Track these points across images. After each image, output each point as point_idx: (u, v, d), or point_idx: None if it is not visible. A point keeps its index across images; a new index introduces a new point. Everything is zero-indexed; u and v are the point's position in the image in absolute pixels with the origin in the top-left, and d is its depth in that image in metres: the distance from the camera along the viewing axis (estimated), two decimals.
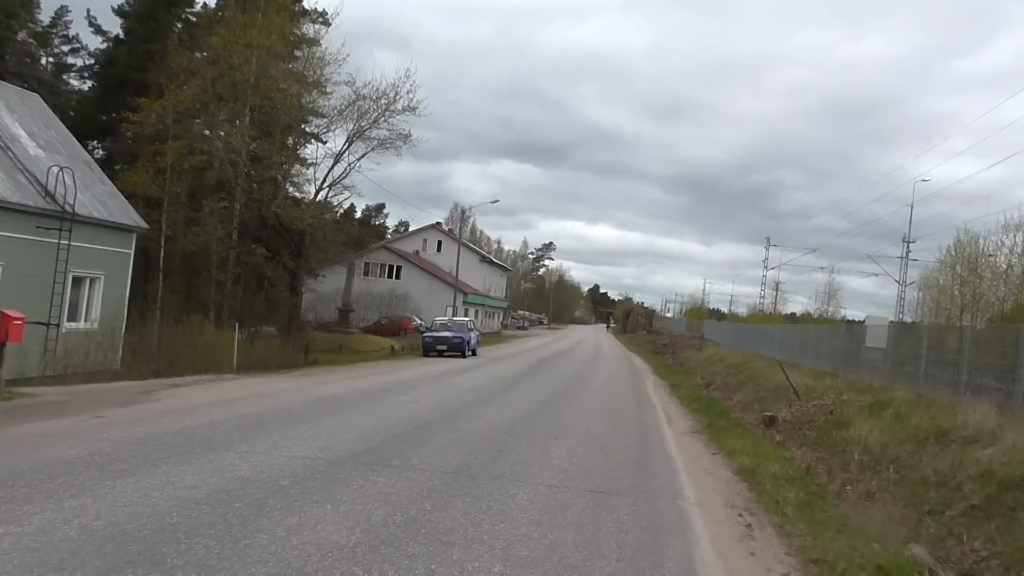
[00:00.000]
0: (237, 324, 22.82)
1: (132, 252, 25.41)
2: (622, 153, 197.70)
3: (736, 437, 13.69)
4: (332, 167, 32.49)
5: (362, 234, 70.63)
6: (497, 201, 55.79)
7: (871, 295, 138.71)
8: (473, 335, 33.89)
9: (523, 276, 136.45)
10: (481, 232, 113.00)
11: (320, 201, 32.27)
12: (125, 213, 25.31)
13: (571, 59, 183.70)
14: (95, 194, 24.53)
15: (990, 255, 25.62)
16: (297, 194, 33.41)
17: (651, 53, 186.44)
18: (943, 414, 13.32)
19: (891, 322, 26.72)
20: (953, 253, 26.99)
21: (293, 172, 31.12)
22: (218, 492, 6.75)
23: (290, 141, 29.70)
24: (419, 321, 51.64)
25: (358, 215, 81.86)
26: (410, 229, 77.73)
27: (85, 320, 22.84)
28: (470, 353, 32.76)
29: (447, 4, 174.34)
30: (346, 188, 32.58)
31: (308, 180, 34.51)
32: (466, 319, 35.57)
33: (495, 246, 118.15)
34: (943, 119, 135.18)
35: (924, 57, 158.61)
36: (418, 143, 32.88)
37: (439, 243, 71.01)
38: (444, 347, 31.47)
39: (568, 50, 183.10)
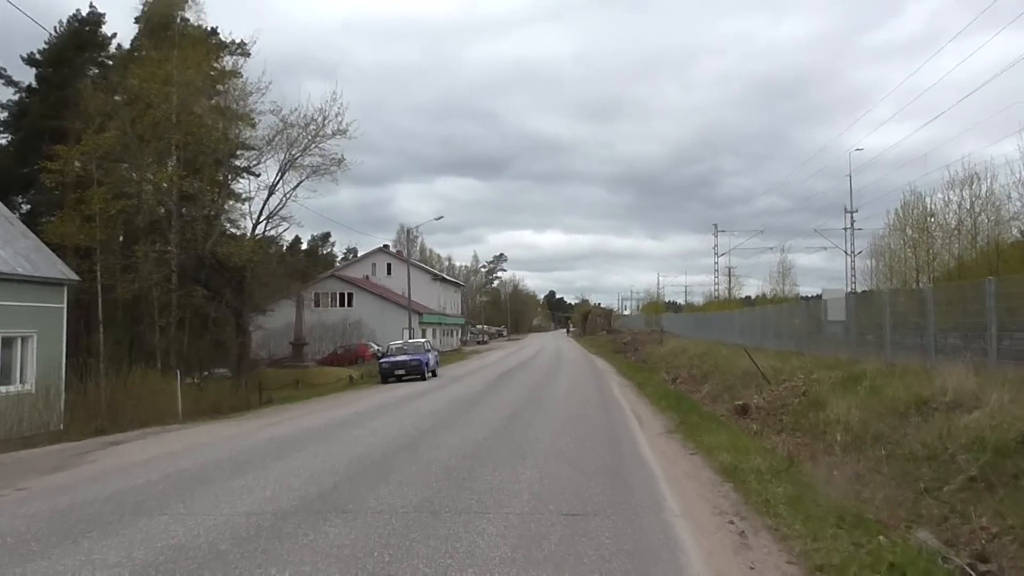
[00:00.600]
0: (179, 371, 21.69)
1: (64, 306, 24.21)
2: (562, 158, 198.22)
3: (711, 432, 13.10)
4: (267, 199, 31.49)
5: (309, 264, 69.40)
6: (441, 217, 55.64)
7: (820, 270, 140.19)
8: (431, 355, 33.00)
9: (477, 290, 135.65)
10: (431, 251, 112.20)
11: (257, 236, 31.18)
12: (52, 266, 24.09)
13: (501, 72, 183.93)
14: (18, 249, 23.31)
15: (932, 215, 25.51)
16: (234, 230, 32.34)
17: (578, 57, 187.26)
18: (918, 382, 12.90)
19: (848, 293, 26.50)
20: (901, 216, 26.84)
21: (227, 208, 30.09)
22: (144, 568, 5.88)
23: (220, 177, 28.58)
24: (376, 347, 50.58)
25: (304, 246, 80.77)
26: (358, 255, 76.57)
27: (19, 382, 21.63)
28: (430, 374, 31.84)
29: (372, 29, 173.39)
30: (284, 220, 31.61)
31: (244, 215, 33.47)
32: (422, 340, 34.64)
33: (446, 263, 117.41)
34: (867, 90, 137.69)
35: (841, 33, 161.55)
36: (352, 166, 32.13)
37: (388, 266, 69.95)
38: (403, 371, 30.52)
39: (497, 64, 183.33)
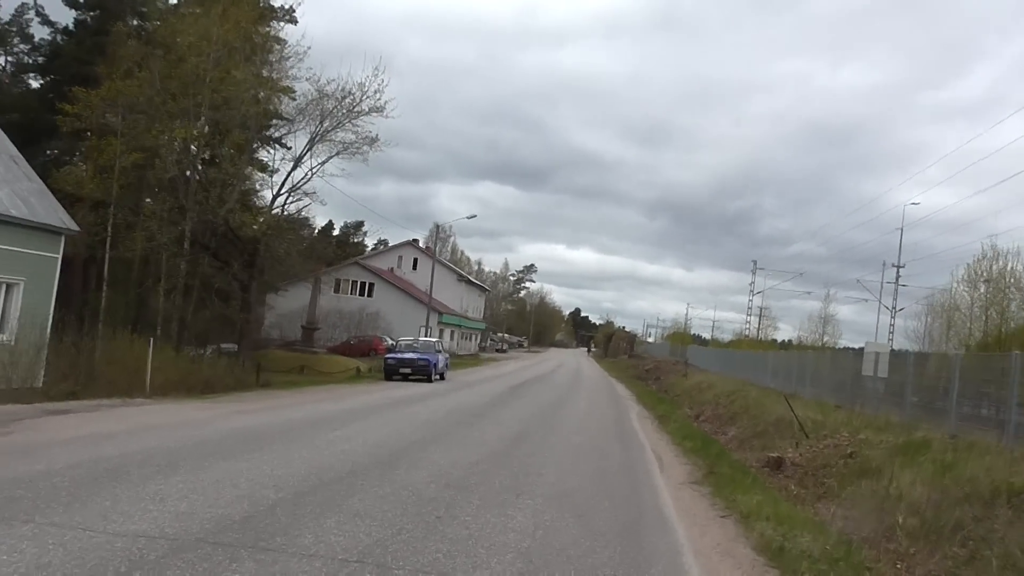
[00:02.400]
0: (152, 339, 19.91)
1: (59, 256, 22.58)
2: (603, 176, 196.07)
3: (745, 489, 11.02)
4: (291, 171, 29.73)
5: (334, 249, 67.89)
6: (474, 216, 54.15)
7: (852, 323, 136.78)
8: (441, 357, 31.02)
9: (503, 298, 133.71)
10: (462, 253, 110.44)
11: (275, 209, 29.45)
12: (52, 213, 22.48)
13: (552, 82, 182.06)
14: (16, 190, 21.73)
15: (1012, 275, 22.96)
16: (255, 200, 30.64)
17: (632, 77, 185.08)
18: (1001, 463, 10.77)
19: (904, 351, 24.17)
20: (974, 271, 24.33)
21: (248, 175, 28.31)
22: None
23: (243, 140, 26.88)
24: (391, 341, 48.77)
25: (336, 232, 79.42)
26: (387, 246, 75.01)
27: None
28: (437, 377, 29.89)
29: (430, 24, 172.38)
30: (307, 195, 29.77)
31: (265, 186, 31.75)
32: (434, 339, 32.70)
33: (476, 267, 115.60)
34: (920, 148, 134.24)
35: (901, 87, 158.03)
36: (386, 151, 30.18)
37: (415, 261, 68.15)
38: (408, 370, 28.60)
39: (549, 73, 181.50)
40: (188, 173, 26.70)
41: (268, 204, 29.69)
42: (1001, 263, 22.93)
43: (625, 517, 8.35)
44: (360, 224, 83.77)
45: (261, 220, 26.06)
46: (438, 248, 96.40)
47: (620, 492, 9.82)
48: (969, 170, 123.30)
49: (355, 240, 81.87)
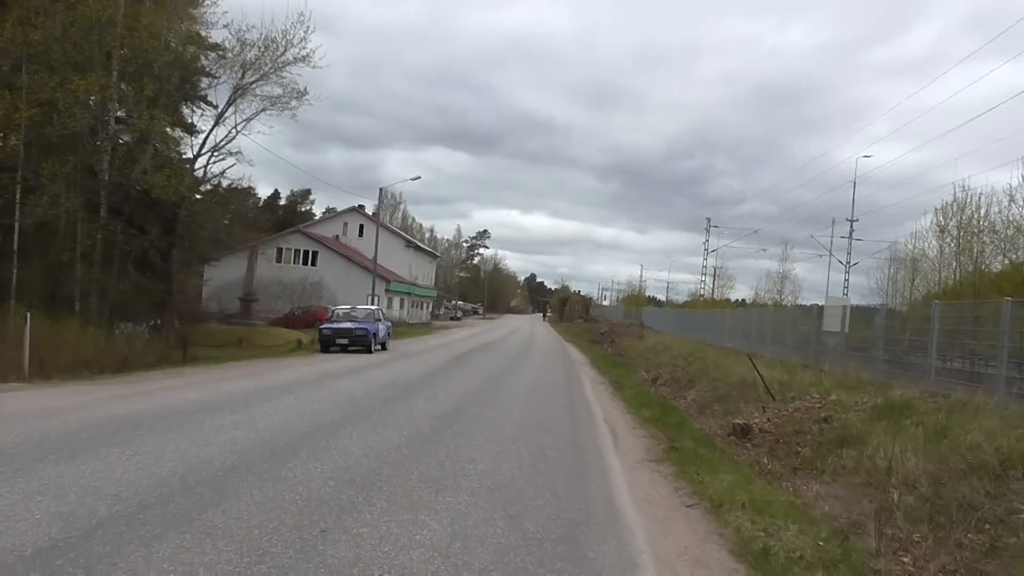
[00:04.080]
0: (29, 314, 17.71)
1: None
2: (555, 140, 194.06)
3: (712, 467, 9.46)
4: (213, 127, 27.40)
5: (284, 220, 65.13)
6: (418, 177, 52.03)
7: (801, 280, 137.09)
8: (382, 326, 29.04)
9: (456, 265, 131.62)
10: (413, 220, 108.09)
11: (198, 170, 27.13)
12: None
13: (500, 43, 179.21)
14: None
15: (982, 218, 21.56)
16: (176, 161, 28.14)
17: (580, 38, 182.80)
18: (1000, 426, 9.38)
19: (879, 306, 22.89)
20: (944, 215, 22.92)
21: (164, 133, 25.85)
22: None
23: (156, 93, 24.41)
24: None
25: (283, 201, 76.38)
26: (332, 213, 72.28)
27: None
28: (378, 348, 27.93)
29: None
30: (231, 154, 27.46)
31: (188, 146, 29.35)
32: (373, 307, 30.67)
33: (428, 235, 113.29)
34: (866, 105, 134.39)
35: (847, 45, 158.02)
36: (314, 101, 27.95)
37: (360, 227, 65.65)
38: (345, 341, 26.59)
39: (496, 33, 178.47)
40: (94, 128, 24.16)
41: (191, 166, 27.32)
42: (972, 208, 21.68)
43: (569, 514, 6.68)
44: (307, 192, 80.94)
45: (176, 182, 23.68)
46: (388, 216, 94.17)
47: (565, 479, 8.15)
48: (913, 125, 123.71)
49: (303, 209, 79.02)
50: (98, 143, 24.55)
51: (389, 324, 32.36)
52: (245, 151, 30.83)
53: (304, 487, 6.87)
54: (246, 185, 39.65)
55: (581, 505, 7.07)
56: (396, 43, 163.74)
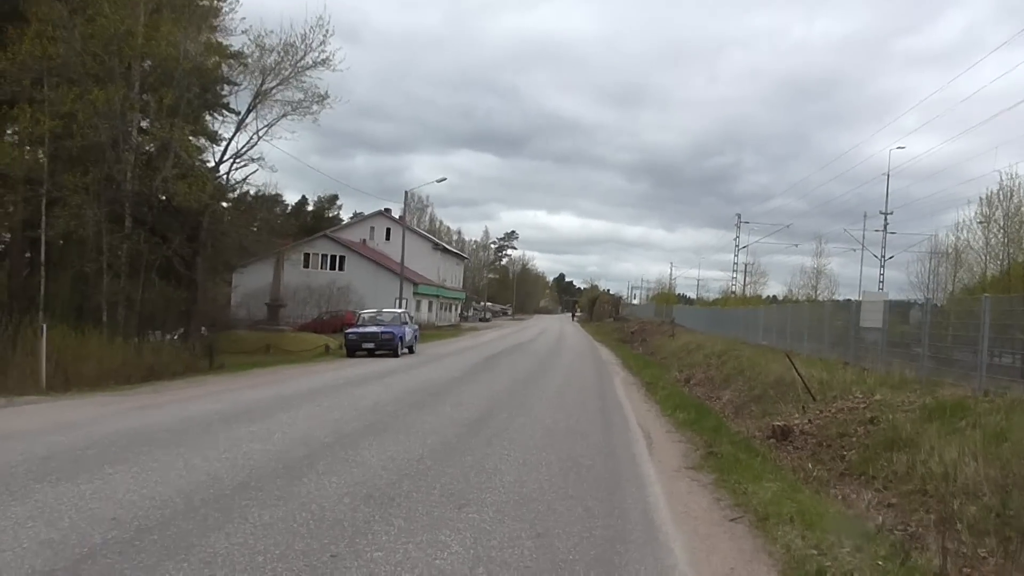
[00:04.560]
0: (44, 326, 17.52)
1: None
2: (581, 141, 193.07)
3: (755, 475, 8.87)
4: (234, 134, 27.24)
5: (311, 226, 65.18)
6: (444, 179, 52.03)
7: (835, 274, 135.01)
8: (408, 329, 28.62)
9: (485, 266, 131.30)
10: (440, 222, 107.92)
11: (219, 177, 26.94)
12: None
13: (524, 47, 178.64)
14: None
15: None
16: (197, 169, 27.97)
17: (605, 39, 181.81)
18: None
19: (923, 300, 22.01)
20: (988, 205, 21.92)
21: (185, 141, 25.63)
22: None
23: (176, 101, 24.25)
24: None
25: (310, 207, 76.48)
26: (359, 218, 72.19)
27: None
28: (405, 351, 27.53)
29: None
30: (253, 160, 27.27)
31: (209, 154, 29.21)
32: (399, 310, 30.27)
33: (455, 237, 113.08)
34: (896, 97, 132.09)
35: (875, 35, 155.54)
36: (336, 105, 27.68)
37: (388, 231, 65.48)
38: (372, 345, 26.20)
39: (520, 38, 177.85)
40: (115, 139, 23.99)
41: (210, 172, 27.14)
42: (1021, 196, 20.71)
43: (603, 531, 6.16)
44: (335, 198, 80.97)
45: (198, 190, 23.46)
46: (414, 219, 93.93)
47: (598, 490, 7.63)
48: (946, 116, 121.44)
49: (330, 215, 79.12)
50: (119, 154, 24.39)
51: (416, 327, 31.99)
52: (270, 158, 30.91)
53: (317, 505, 6.41)
54: (273, 192, 39.62)
55: (616, 520, 6.54)
56: (420, 49, 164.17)
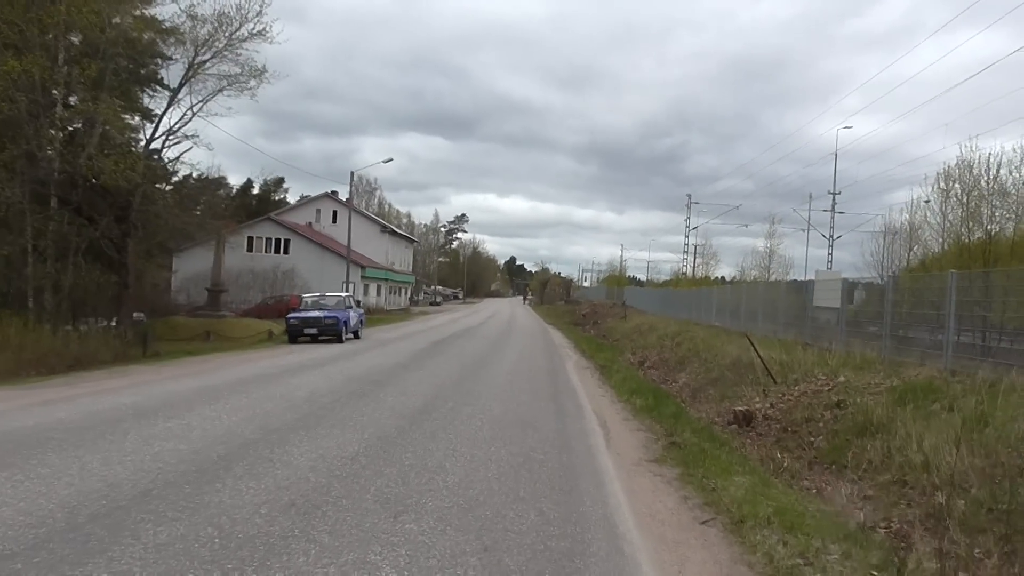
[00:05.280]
0: None
1: None
2: (531, 123, 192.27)
3: (723, 468, 8.18)
4: (166, 109, 25.81)
5: (258, 209, 63.27)
6: (390, 160, 50.59)
7: (779, 256, 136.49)
8: (353, 314, 27.49)
9: (436, 250, 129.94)
10: (390, 206, 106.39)
11: (152, 156, 25.50)
12: None
13: (473, 27, 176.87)
14: None
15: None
16: (128, 146, 26.44)
17: (554, 20, 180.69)
18: None
19: (883, 277, 21.64)
20: (946, 181, 21.56)
21: (111, 116, 24.04)
22: None
23: (99, 73, 22.72)
24: None
25: (255, 190, 74.34)
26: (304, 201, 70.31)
27: None
28: (350, 336, 26.45)
29: None
30: (187, 137, 25.84)
31: (134, 129, 27.65)
32: (344, 294, 29.08)
33: (405, 220, 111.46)
34: (840, 79, 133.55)
35: (821, 17, 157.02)
36: (272, 80, 26.37)
37: (334, 213, 63.88)
38: (314, 330, 25.07)
39: (470, 18, 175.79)
40: (37, 114, 22.39)
41: (143, 151, 25.68)
42: (980, 169, 20.40)
43: (560, 542, 5.34)
44: (281, 181, 78.86)
45: (125, 167, 22.02)
46: (363, 202, 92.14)
47: (553, 490, 6.81)
48: (889, 97, 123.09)
49: (276, 198, 77.05)
50: (40, 129, 22.80)
51: (362, 311, 30.87)
52: (211, 139, 29.31)
53: (228, 517, 5.48)
54: (216, 175, 38.02)
55: (573, 528, 5.72)
56: (367, 29, 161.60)
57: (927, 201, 24.00)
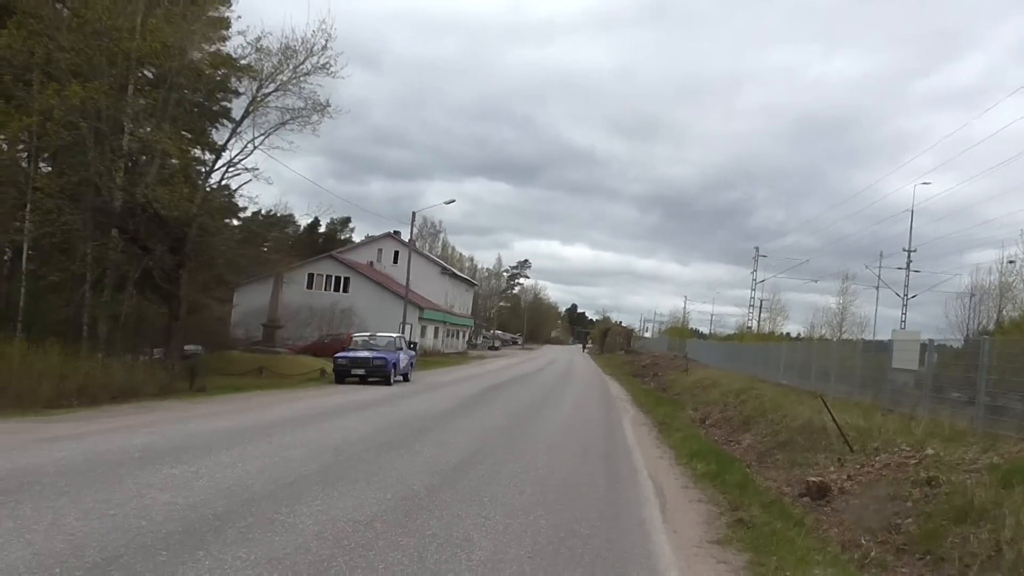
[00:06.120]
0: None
1: None
2: (595, 172, 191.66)
3: (799, 556, 6.94)
4: (227, 140, 25.62)
5: (325, 246, 63.73)
6: (452, 201, 50.46)
7: (855, 314, 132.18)
8: (403, 355, 26.64)
9: (497, 294, 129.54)
10: (453, 249, 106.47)
11: (211, 186, 25.32)
12: None
13: (541, 78, 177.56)
14: None
15: None
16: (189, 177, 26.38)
17: (622, 72, 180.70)
18: None
19: (984, 336, 19.97)
20: None
21: (173, 146, 23.90)
22: None
23: (159, 101, 22.67)
24: None
25: (322, 229, 75.13)
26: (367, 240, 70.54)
27: None
28: (399, 378, 25.61)
29: (415, 21, 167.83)
30: (247, 170, 25.57)
31: (202, 162, 27.62)
32: (394, 335, 28.24)
33: (468, 264, 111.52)
34: (912, 138, 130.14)
35: (894, 75, 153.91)
36: (336, 114, 26.03)
37: (395, 254, 63.74)
38: (362, 371, 24.25)
39: (537, 69, 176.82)
40: (100, 135, 22.30)
41: (201, 181, 25.52)
42: None
43: None
44: (347, 220, 79.73)
45: (183, 197, 21.75)
46: (426, 245, 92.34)
47: None
48: (962, 157, 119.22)
49: (342, 237, 77.80)
50: (104, 156, 22.74)
51: (413, 353, 30.04)
52: (285, 180, 29.00)
53: None
54: (285, 213, 37.99)
55: None
56: (437, 77, 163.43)
57: (1012, 262, 22.35)
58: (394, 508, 7.35)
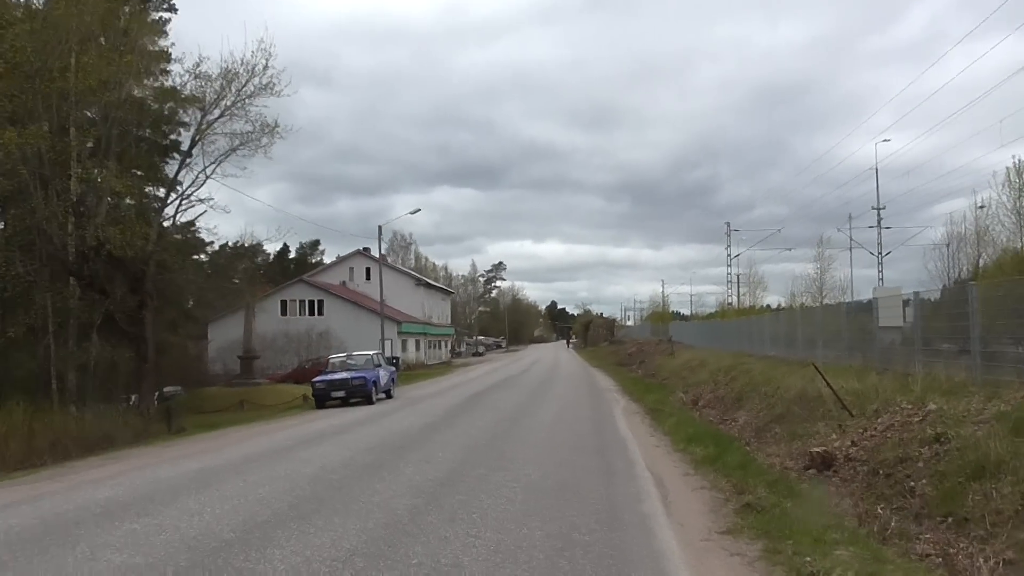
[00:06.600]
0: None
1: None
2: (558, 166, 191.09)
3: (815, 537, 6.41)
4: (176, 172, 24.89)
5: (296, 272, 62.79)
6: (418, 210, 49.17)
7: (833, 278, 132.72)
8: (383, 372, 25.93)
9: (475, 300, 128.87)
10: (426, 259, 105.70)
11: (165, 221, 24.57)
12: None
13: (492, 78, 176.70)
14: None
15: None
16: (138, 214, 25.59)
17: (571, 63, 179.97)
18: None
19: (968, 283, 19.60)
20: (1019, 176, 19.59)
21: (119, 185, 23.08)
22: None
23: (100, 139, 21.90)
24: None
25: (292, 255, 74.08)
26: (337, 260, 69.62)
27: None
28: (381, 396, 24.93)
29: (359, 32, 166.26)
30: (201, 201, 24.84)
31: (157, 199, 26.85)
32: (372, 352, 27.46)
33: (443, 273, 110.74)
34: (867, 96, 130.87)
35: (840, 37, 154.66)
36: (286, 134, 25.34)
37: (367, 270, 62.91)
38: (342, 392, 23.54)
39: (487, 69, 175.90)
40: (45, 187, 21.51)
41: (155, 216, 24.76)
42: None
43: None
44: (316, 243, 78.77)
45: (133, 235, 21.00)
46: (399, 258, 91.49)
47: None
48: (916, 112, 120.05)
49: (313, 260, 76.85)
50: (48, 201, 21.93)
51: (394, 369, 29.36)
52: (248, 209, 28.29)
53: None
54: (252, 243, 37.10)
55: None
56: (390, 89, 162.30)
57: (982, 207, 22.14)
58: (375, 538, 6.75)
